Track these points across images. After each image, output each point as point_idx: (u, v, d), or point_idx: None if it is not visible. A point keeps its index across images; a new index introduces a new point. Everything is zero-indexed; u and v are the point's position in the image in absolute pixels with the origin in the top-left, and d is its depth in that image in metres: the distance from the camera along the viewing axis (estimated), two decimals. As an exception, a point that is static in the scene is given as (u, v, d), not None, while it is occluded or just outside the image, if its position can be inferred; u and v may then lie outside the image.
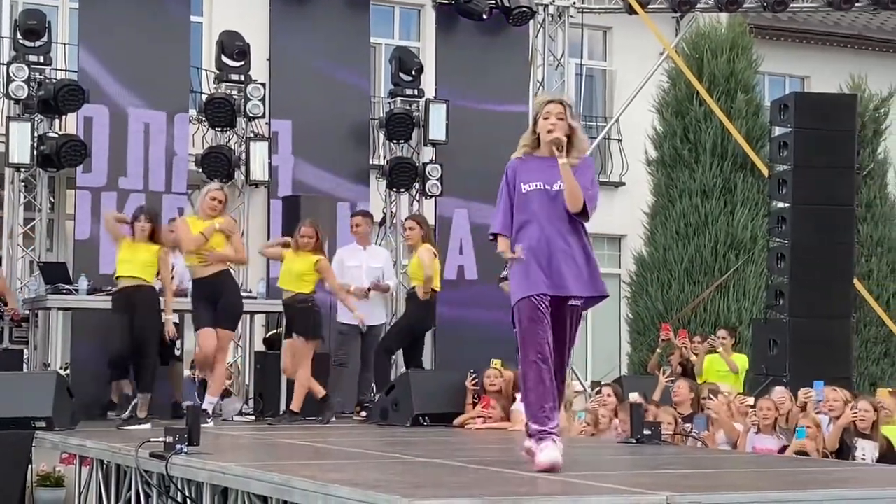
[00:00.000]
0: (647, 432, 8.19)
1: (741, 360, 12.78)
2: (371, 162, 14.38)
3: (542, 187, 6.37)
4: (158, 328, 10.36)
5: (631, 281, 17.60)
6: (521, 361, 6.41)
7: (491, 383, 10.69)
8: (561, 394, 6.52)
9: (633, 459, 7.59)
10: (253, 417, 11.53)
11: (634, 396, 9.38)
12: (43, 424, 9.42)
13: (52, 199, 15.32)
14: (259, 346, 13.03)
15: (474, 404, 10.71)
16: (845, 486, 5.95)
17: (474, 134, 14.03)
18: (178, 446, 6.96)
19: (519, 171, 6.48)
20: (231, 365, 12.85)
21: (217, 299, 10.31)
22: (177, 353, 11.87)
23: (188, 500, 6.92)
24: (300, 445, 8.45)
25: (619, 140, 19.93)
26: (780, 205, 13.24)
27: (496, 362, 10.90)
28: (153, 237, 10.28)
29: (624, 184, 19.88)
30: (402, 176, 13.99)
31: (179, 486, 6.97)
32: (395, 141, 14.15)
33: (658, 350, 13.26)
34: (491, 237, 6.55)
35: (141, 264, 10.19)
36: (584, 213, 6.37)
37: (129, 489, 7.89)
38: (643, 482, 5.68)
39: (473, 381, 10.78)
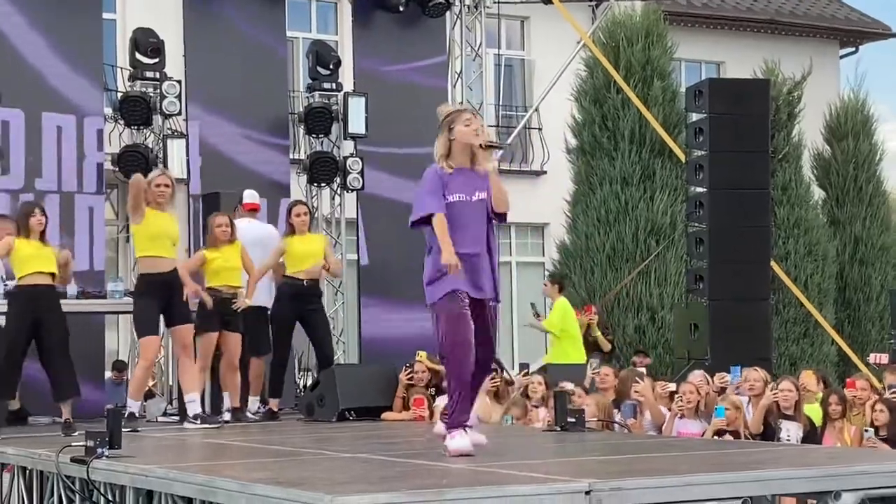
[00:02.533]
0: (571, 420, 8.23)
1: (562, 305, 13.56)
2: (291, 156, 14.29)
3: (465, 198, 6.65)
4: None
5: (554, 269, 17.70)
6: (446, 355, 6.64)
7: (418, 378, 10.64)
8: (479, 384, 6.86)
9: (557, 447, 7.64)
10: (177, 418, 11.41)
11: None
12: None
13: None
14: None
15: (405, 399, 10.63)
16: (766, 466, 6.03)
17: (392, 106, 14.04)
18: (99, 450, 6.88)
19: (444, 180, 6.65)
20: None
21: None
22: None
23: (111, 505, 6.85)
24: (224, 445, 8.39)
25: (539, 129, 20.03)
26: (698, 190, 13.37)
27: (422, 354, 10.86)
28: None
29: (545, 172, 19.99)
30: (323, 170, 13.93)
31: (102, 490, 6.89)
32: (314, 135, 14.08)
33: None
34: (419, 220, 6.64)
35: (49, 260, 9.90)
36: (505, 215, 6.80)
37: (52, 495, 7.78)
38: (566, 470, 5.72)
39: (409, 375, 10.68)
